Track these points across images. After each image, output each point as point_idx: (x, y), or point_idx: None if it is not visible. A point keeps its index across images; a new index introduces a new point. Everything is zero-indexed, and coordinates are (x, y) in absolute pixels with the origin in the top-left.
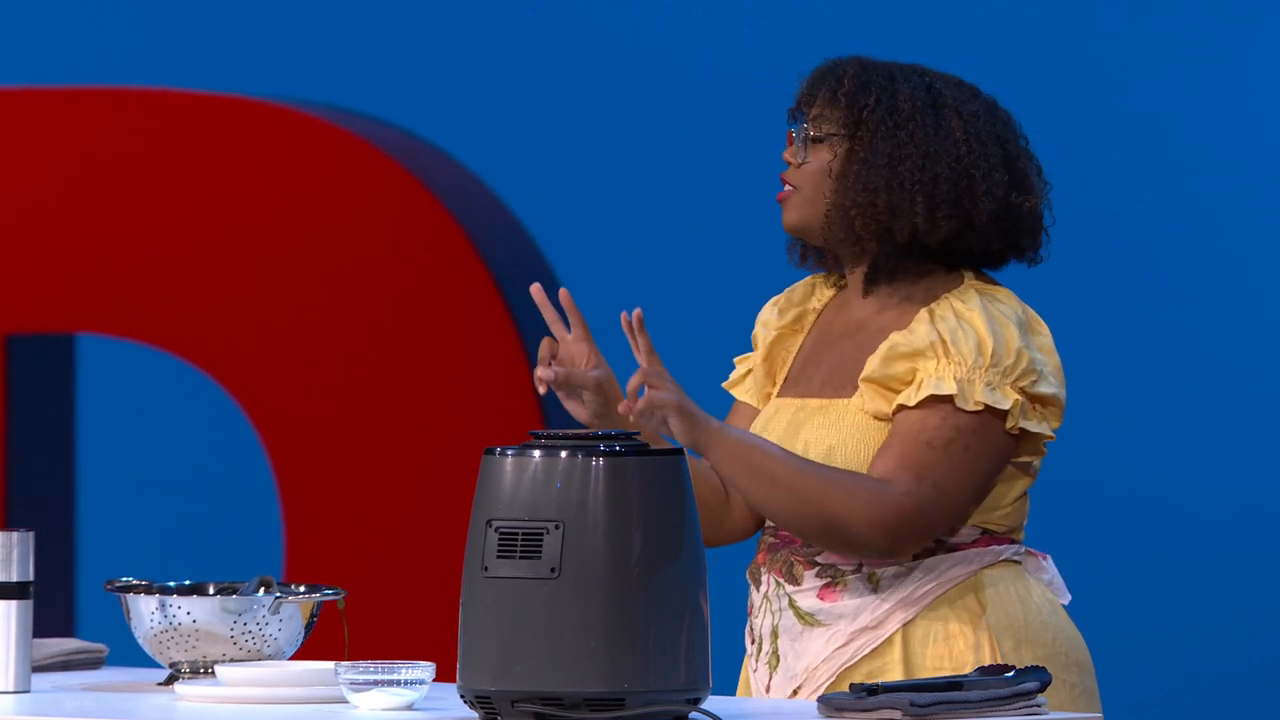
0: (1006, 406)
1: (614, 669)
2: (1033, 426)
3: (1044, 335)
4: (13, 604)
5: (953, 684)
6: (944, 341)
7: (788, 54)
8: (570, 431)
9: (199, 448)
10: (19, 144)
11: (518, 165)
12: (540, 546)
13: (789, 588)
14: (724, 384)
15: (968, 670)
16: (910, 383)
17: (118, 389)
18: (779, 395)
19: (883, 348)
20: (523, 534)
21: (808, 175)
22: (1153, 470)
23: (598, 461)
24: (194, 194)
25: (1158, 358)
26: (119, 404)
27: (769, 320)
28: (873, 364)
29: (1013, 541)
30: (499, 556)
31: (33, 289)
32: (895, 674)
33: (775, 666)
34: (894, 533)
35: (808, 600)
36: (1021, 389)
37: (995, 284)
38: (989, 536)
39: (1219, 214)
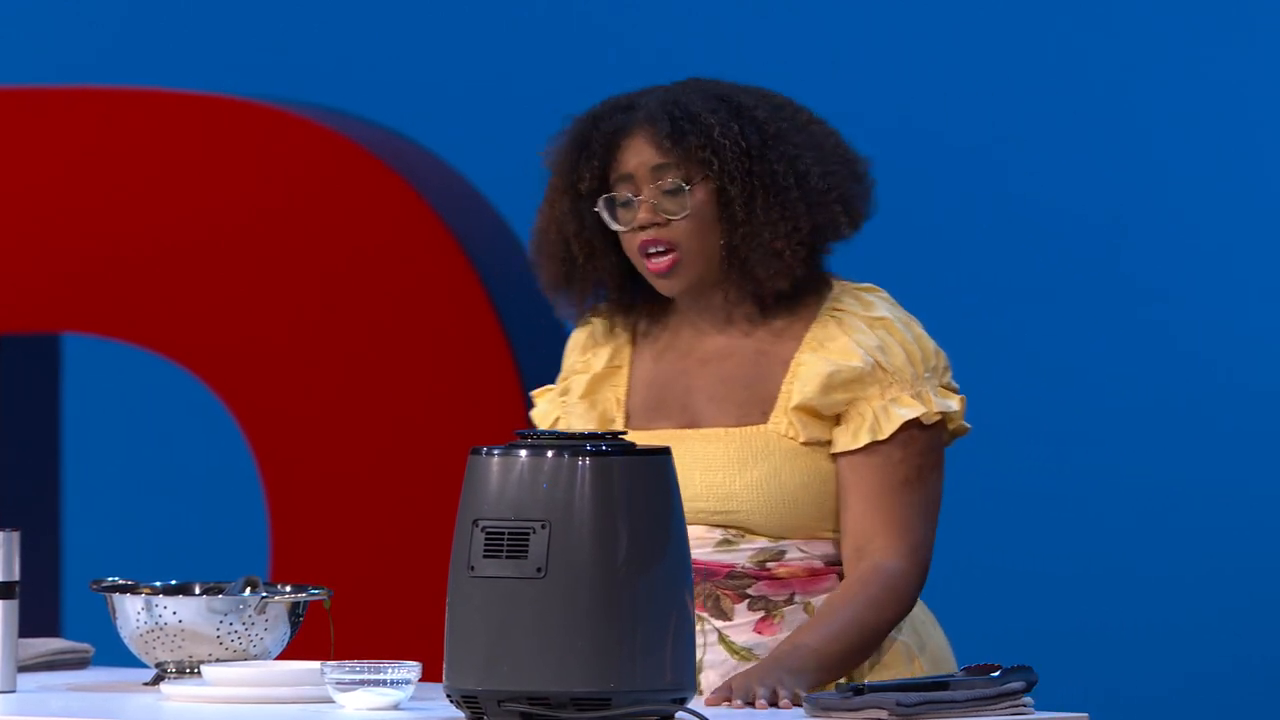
0: (956, 408)
1: (600, 669)
2: (966, 423)
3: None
4: None
5: (939, 684)
6: (879, 365)
7: (784, 58)
8: (556, 432)
9: (185, 448)
10: (4, 144)
11: (506, 167)
12: (526, 546)
13: (716, 622)
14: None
15: None
16: (845, 411)
17: (103, 389)
18: (635, 428)
19: (819, 375)
20: (509, 534)
21: (688, 229)
22: (1142, 471)
23: (584, 461)
24: (181, 194)
25: (1145, 358)
26: (105, 404)
27: (584, 363)
28: (807, 391)
29: None
30: (485, 556)
31: (18, 289)
32: None
33: None
34: (913, 600)
35: (743, 635)
36: (951, 389)
37: (857, 286)
38: None
39: (1200, 213)
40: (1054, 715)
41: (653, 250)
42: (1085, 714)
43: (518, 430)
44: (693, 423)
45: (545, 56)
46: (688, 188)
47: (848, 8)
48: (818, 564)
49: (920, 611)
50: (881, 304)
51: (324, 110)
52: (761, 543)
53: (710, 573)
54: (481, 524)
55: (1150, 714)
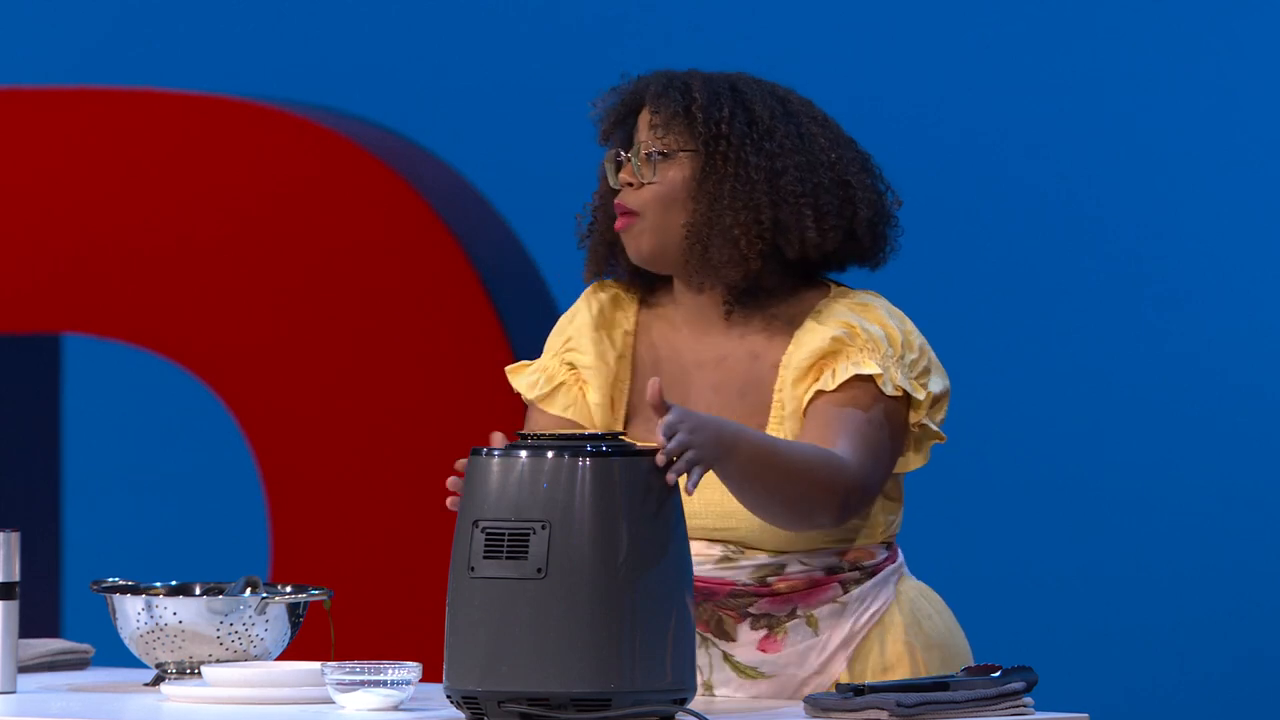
0: (921, 397)
1: (600, 669)
2: (932, 424)
3: (920, 335)
4: None
5: (939, 684)
6: (853, 332)
7: (784, 58)
8: (556, 432)
9: (185, 448)
10: (4, 144)
11: (505, 166)
12: (526, 547)
13: (721, 644)
14: (530, 396)
15: None
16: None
17: (103, 389)
18: (634, 437)
19: (796, 369)
20: (509, 534)
21: (653, 198)
22: (1143, 471)
23: (584, 462)
24: (180, 194)
25: (1146, 358)
26: (105, 404)
27: (601, 350)
28: (790, 392)
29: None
30: (485, 557)
31: (18, 289)
32: None
33: None
34: (845, 505)
35: (748, 654)
36: (923, 385)
37: (858, 290)
38: (892, 551)
39: (1201, 213)
40: (1054, 715)
41: (621, 211)
42: (1085, 714)
43: (518, 431)
44: None
45: (546, 57)
46: (665, 155)
47: (846, 11)
48: (819, 574)
49: (922, 601)
50: (873, 300)
51: (324, 110)
52: (762, 558)
53: (711, 593)
54: (481, 524)
55: (1150, 714)
